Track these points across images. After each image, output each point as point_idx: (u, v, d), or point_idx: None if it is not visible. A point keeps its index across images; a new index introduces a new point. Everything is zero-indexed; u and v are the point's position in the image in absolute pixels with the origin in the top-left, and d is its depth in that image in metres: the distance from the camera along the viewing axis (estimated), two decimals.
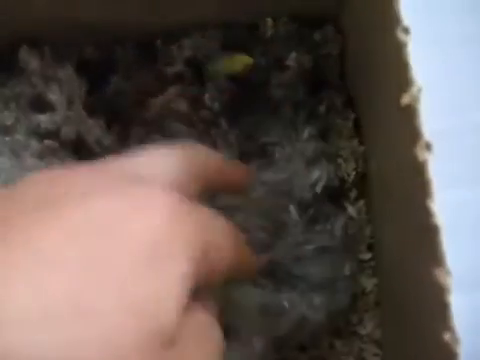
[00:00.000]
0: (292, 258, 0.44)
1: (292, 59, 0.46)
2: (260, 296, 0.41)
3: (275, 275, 0.43)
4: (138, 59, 0.47)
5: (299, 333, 0.43)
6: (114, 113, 0.45)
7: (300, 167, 0.44)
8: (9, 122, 0.39)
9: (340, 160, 0.46)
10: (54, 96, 0.41)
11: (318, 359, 0.47)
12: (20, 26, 0.44)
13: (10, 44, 0.43)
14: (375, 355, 0.48)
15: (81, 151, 0.42)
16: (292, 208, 0.44)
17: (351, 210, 0.47)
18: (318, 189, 0.44)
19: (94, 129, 0.42)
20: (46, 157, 0.40)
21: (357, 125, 0.47)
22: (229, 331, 0.41)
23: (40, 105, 0.41)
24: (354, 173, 0.46)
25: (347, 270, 0.45)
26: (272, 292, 0.42)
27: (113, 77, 0.46)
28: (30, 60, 0.42)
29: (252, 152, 0.45)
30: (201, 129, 0.44)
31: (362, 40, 0.42)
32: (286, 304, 0.41)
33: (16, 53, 0.44)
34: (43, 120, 0.40)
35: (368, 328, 0.48)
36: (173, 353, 0.22)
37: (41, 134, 0.41)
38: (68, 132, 0.41)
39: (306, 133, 0.44)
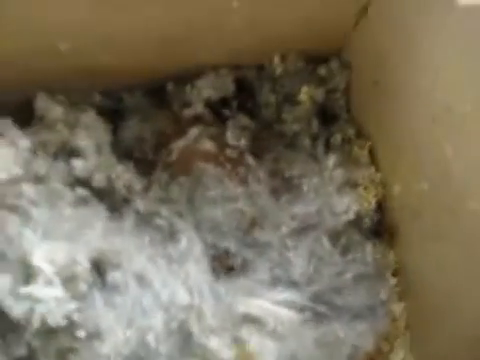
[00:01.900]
0: (332, 289, 0.43)
1: (304, 93, 0.47)
2: (313, 328, 0.40)
3: (318, 307, 0.42)
4: (150, 105, 0.46)
5: None
6: (134, 160, 0.44)
7: (330, 197, 0.44)
8: (42, 170, 0.37)
9: (360, 188, 0.47)
10: (82, 142, 0.39)
11: None
12: (31, 75, 0.42)
13: (21, 92, 0.41)
14: None
15: (111, 197, 0.40)
16: (325, 239, 0.44)
17: (374, 237, 0.47)
18: (350, 216, 0.44)
19: (124, 174, 0.40)
20: (79, 206, 0.38)
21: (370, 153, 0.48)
22: None
23: (68, 152, 0.39)
24: (375, 199, 0.47)
25: (383, 295, 0.45)
26: (325, 324, 0.41)
27: (126, 125, 0.45)
28: (50, 107, 0.40)
29: (279, 187, 0.45)
30: (229, 168, 0.43)
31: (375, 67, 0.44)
32: (341, 334, 0.40)
33: (29, 102, 0.42)
34: (76, 167, 0.38)
35: (400, 355, 0.48)
36: None
37: (73, 182, 0.38)
38: (99, 179, 0.39)
39: (331, 162, 0.45)
